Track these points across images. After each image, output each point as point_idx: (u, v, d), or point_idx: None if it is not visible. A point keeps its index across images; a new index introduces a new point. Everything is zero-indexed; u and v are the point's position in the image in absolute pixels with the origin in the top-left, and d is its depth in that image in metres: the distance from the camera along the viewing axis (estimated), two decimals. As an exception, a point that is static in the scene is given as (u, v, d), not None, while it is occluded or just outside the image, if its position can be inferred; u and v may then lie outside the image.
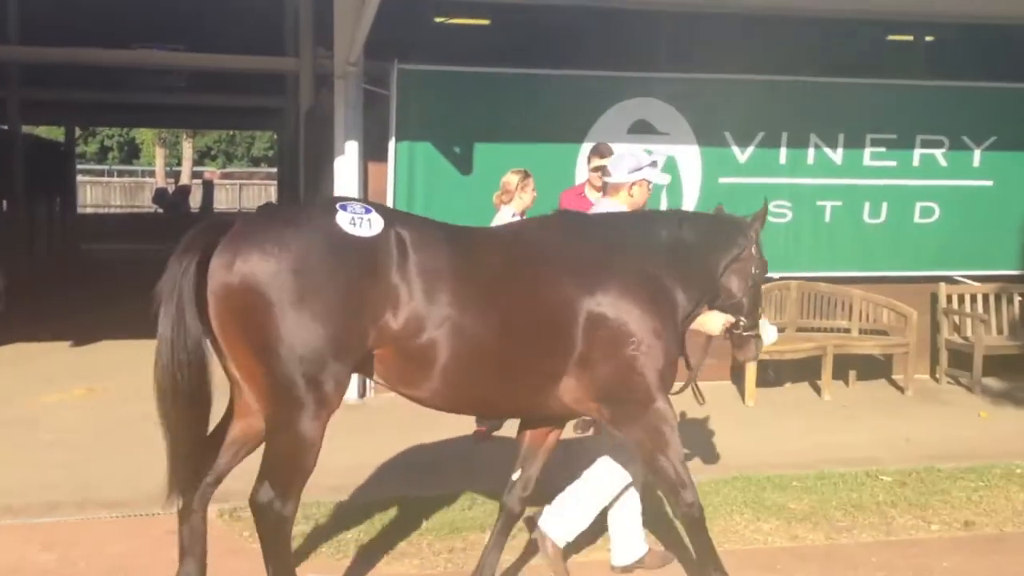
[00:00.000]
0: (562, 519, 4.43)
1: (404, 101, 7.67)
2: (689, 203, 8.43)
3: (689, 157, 8.39)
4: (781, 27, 9.53)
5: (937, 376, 9.00)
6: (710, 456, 6.40)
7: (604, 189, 4.89)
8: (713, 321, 4.41)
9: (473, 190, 7.77)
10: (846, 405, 8.10)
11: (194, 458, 3.71)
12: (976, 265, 9.01)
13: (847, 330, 8.79)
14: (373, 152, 7.85)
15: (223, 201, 35.46)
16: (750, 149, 8.50)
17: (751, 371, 8.01)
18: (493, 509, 5.37)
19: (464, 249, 3.76)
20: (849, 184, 8.67)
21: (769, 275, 8.55)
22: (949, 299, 8.97)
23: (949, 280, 9.01)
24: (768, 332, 8.25)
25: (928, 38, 12.89)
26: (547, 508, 4.47)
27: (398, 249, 3.61)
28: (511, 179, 6.79)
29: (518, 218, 6.76)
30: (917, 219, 8.82)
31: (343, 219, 3.60)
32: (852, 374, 8.77)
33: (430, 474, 6.05)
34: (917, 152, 8.72)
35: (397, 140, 7.70)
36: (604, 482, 4.50)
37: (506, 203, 6.79)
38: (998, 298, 9.02)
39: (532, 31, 12.68)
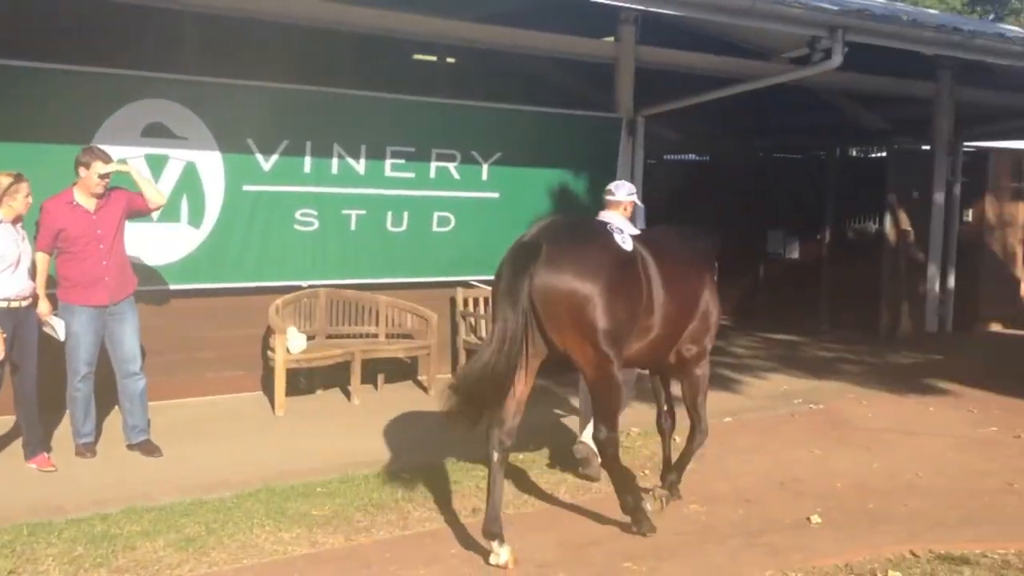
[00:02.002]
0: None
1: None
2: (212, 210, 8.13)
3: (211, 163, 8.08)
4: (311, 38, 9.55)
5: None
6: (234, 470, 6.20)
7: (606, 204, 6.30)
8: None
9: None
10: (374, 409, 8.23)
11: (509, 416, 5.01)
12: (489, 270, 9.42)
13: (375, 335, 9.05)
14: None
15: None
16: (274, 157, 8.39)
17: (280, 381, 7.92)
18: (69, 538, 4.72)
19: (655, 255, 5.36)
20: (372, 194, 8.92)
21: (298, 283, 8.66)
22: (465, 303, 9.62)
23: (465, 284, 9.65)
24: (295, 341, 8.20)
25: (449, 60, 13.82)
26: None
27: (641, 258, 5.27)
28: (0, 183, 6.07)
29: (8, 225, 6.07)
30: (435, 228, 9.32)
31: (619, 239, 5.17)
32: (381, 378, 9.06)
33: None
34: (433, 165, 9.21)
35: None
36: None
37: (-5, 208, 6.05)
38: (508, 300, 9.85)
39: (39, 21, 11.51)
